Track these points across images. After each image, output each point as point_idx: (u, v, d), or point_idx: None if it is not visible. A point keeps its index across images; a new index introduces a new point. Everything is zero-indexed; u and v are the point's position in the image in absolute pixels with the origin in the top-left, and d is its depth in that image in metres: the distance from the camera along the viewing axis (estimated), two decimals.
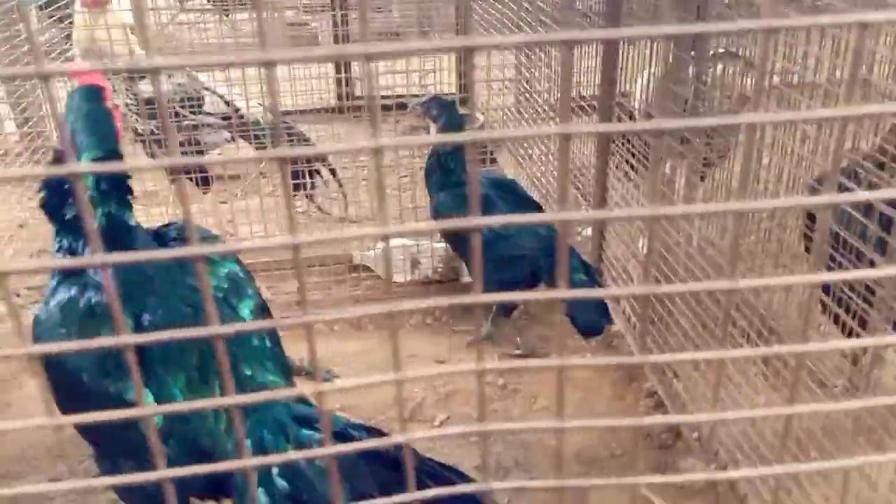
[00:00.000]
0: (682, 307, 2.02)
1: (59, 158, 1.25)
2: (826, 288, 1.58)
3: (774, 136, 1.76)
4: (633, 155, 2.31)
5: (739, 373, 1.84)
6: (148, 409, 0.42)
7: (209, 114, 2.77)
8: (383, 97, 3.77)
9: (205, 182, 2.87)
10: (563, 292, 0.41)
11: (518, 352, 2.41)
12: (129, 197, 1.27)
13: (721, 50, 2.07)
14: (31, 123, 3.03)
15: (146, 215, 2.53)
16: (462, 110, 2.61)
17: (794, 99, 1.66)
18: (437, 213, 2.37)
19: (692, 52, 1.99)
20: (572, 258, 2.21)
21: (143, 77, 2.68)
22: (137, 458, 1.21)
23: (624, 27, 2.20)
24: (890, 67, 1.81)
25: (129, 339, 0.38)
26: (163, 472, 0.41)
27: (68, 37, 3.15)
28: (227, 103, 2.79)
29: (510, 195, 2.30)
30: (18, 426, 0.43)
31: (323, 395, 0.43)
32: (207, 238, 1.39)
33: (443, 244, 2.73)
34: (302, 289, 0.42)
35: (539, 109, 3.16)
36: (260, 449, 1.19)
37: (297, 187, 3.11)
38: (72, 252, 1.25)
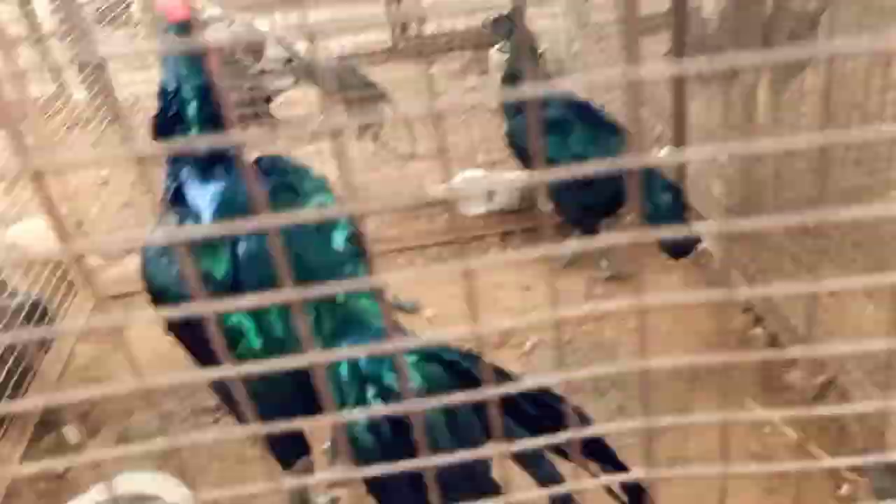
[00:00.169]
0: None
1: (164, 91, 1.26)
2: None
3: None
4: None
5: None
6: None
7: (272, 60, 2.76)
8: (438, 35, 3.70)
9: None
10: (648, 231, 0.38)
11: (605, 273, 2.38)
12: (219, 113, 1.28)
13: None
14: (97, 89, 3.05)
15: None
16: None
17: None
18: (511, 137, 2.31)
19: None
20: (656, 178, 2.15)
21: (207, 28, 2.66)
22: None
23: None
24: None
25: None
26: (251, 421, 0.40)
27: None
28: (288, 48, 2.77)
29: (586, 116, 2.23)
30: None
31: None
32: (298, 171, 1.38)
33: (518, 173, 2.68)
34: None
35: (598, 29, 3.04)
36: (355, 372, 1.19)
37: (363, 126, 3.09)
38: (176, 178, 1.28)
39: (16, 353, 2.10)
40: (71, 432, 2.07)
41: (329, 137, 0.39)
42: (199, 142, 0.38)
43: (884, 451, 1.50)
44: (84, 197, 2.84)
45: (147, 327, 2.37)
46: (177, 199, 1.28)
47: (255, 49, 2.67)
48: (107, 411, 2.12)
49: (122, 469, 1.69)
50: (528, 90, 0.41)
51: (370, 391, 1.17)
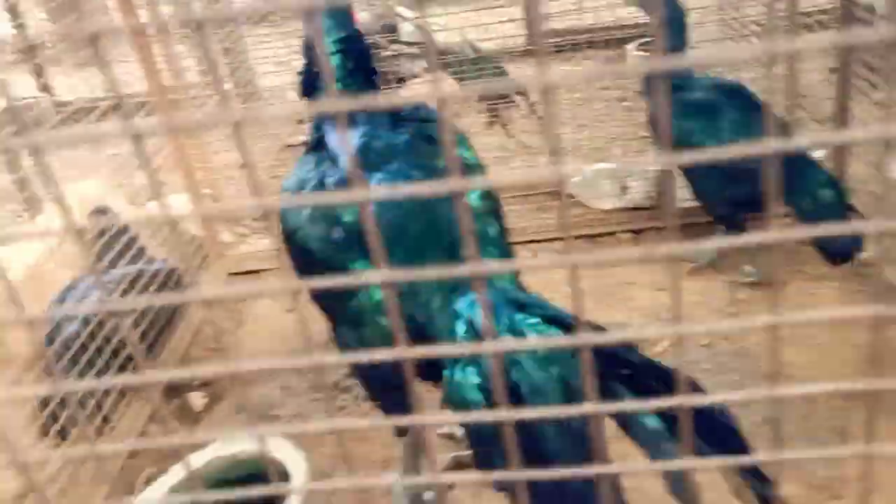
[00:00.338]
0: None
1: (308, 47, 1.26)
2: None
3: None
4: (872, 70, 2.00)
5: None
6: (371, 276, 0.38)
7: (406, 43, 2.74)
8: (574, 32, 3.60)
9: None
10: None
11: (749, 279, 2.19)
12: (374, 77, 1.28)
13: None
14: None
15: None
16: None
17: None
18: (654, 125, 2.17)
19: None
20: (818, 172, 1.95)
21: None
22: (358, 328, 1.24)
23: None
24: None
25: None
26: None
27: None
28: (425, 33, 2.74)
29: (739, 100, 2.05)
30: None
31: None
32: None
33: (654, 167, 2.53)
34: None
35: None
36: (472, 329, 1.13)
37: (493, 118, 3.03)
38: (319, 126, 1.30)
39: (150, 318, 2.17)
40: (196, 399, 2.11)
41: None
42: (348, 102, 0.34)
43: None
44: (223, 180, 2.93)
45: (272, 304, 2.40)
46: (319, 146, 1.30)
47: (391, 31, 2.66)
48: (230, 382, 2.15)
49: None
50: (667, 62, 0.36)
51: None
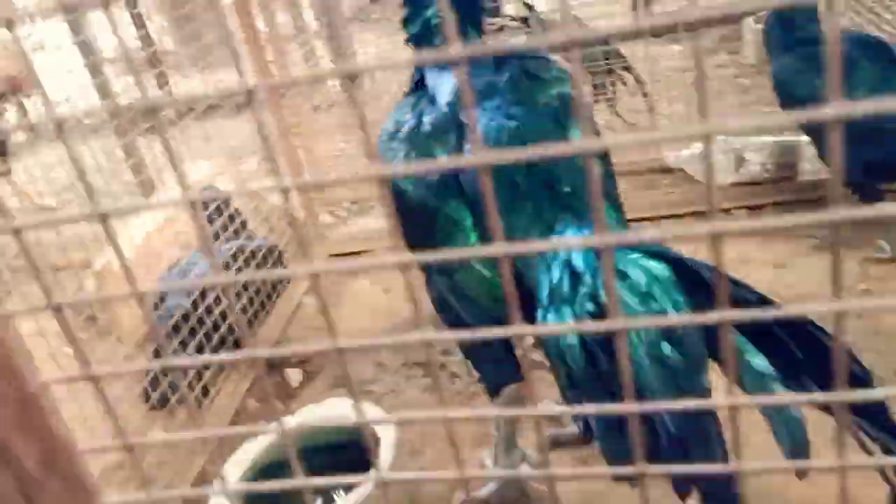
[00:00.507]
0: None
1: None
2: None
3: None
4: None
5: None
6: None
7: (509, 17, 2.67)
8: (683, 12, 3.39)
9: None
10: None
11: (883, 255, 1.98)
12: (480, 17, 1.25)
13: None
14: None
15: None
16: None
17: None
18: (779, 81, 1.97)
19: None
20: None
21: None
22: (452, 275, 1.21)
23: None
24: None
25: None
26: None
27: None
28: (528, 6, 2.66)
29: (878, 54, 1.83)
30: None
31: None
32: (541, 59, 1.28)
33: (773, 137, 2.34)
34: None
35: None
36: (567, 269, 1.06)
37: (598, 95, 2.90)
38: (421, 67, 1.28)
39: (251, 294, 2.20)
40: (293, 375, 2.11)
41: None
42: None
43: None
44: (323, 165, 2.96)
45: (370, 284, 2.39)
46: (418, 87, 1.28)
47: (493, 4, 2.60)
48: (326, 358, 2.14)
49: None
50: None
51: (582, 289, 1.04)
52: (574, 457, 1.60)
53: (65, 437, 0.45)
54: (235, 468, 1.44)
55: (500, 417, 1.48)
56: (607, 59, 2.86)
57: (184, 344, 1.96)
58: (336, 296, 2.43)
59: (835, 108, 0.30)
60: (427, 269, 1.29)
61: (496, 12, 2.68)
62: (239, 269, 2.18)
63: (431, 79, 1.25)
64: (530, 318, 1.09)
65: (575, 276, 1.04)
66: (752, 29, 3.43)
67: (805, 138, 2.30)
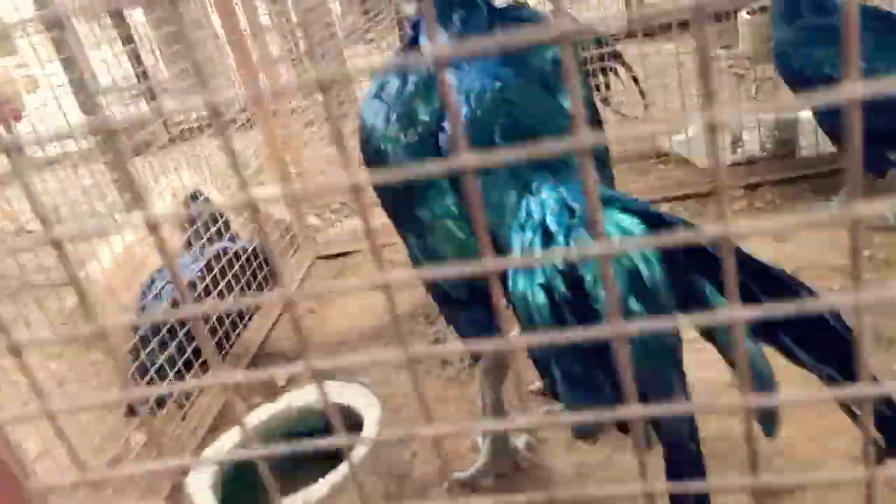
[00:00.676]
0: None
1: None
2: None
3: None
4: None
5: None
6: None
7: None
8: (674, 11, 3.37)
9: None
10: None
11: (889, 223, 1.89)
12: None
13: None
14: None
15: None
16: None
17: None
18: (779, 51, 1.90)
19: None
20: None
21: None
22: (426, 237, 1.19)
23: None
24: None
25: None
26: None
27: None
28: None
29: (883, 25, 1.76)
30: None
31: None
32: (537, 20, 1.25)
33: (771, 115, 2.28)
34: None
35: None
36: (541, 229, 1.02)
37: (594, 89, 2.86)
38: (416, 26, 1.27)
39: (236, 292, 2.13)
40: (279, 374, 2.03)
41: None
42: None
43: None
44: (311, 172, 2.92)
45: (360, 280, 2.33)
46: (410, 47, 1.27)
47: None
48: (316, 355, 2.06)
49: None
50: None
51: (559, 238, 1.00)
52: (568, 437, 1.51)
53: None
54: (212, 456, 1.35)
55: (484, 387, 1.41)
56: (601, 55, 2.82)
57: (164, 345, 1.89)
58: (326, 295, 2.36)
59: (851, 89, 0.28)
60: (403, 231, 1.26)
61: None
62: (223, 271, 2.12)
63: (424, 41, 1.23)
64: (501, 278, 1.03)
65: (548, 236, 1.00)
66: (745, 21, 3.39)
67: (803, 114, 2.23)
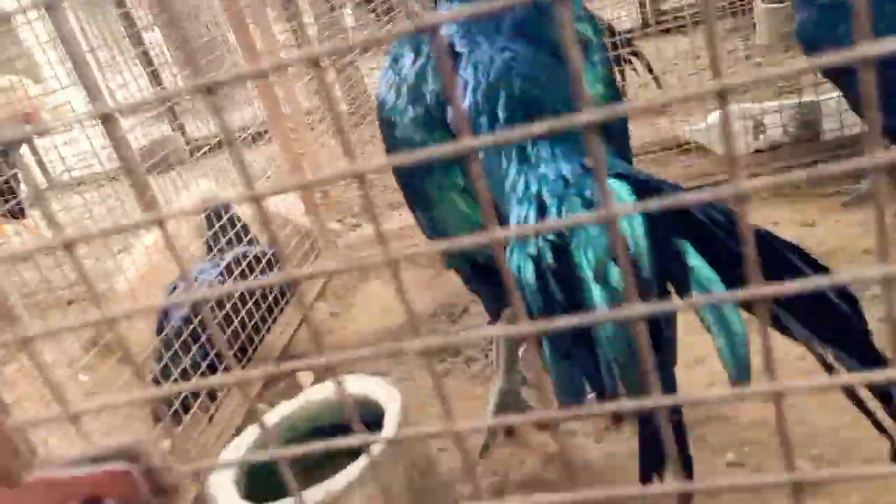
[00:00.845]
0: None
1: None
2: None
3: None
4: None
5: None
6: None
7: None
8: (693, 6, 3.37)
9: None
10: None
11: None
12: None
13: None
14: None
15: None
16: None
17: None
18: (803, 36, 1.86)
19: None
20: None
21: None
22: (432, 209, 1.22)
23: None
24: None
25: None
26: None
27: None
28: None
29: None
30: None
31: None
32: None
33: (793, 100, 2.24)
34: None
35: None
36: (536, 202, 1.03)
37: None
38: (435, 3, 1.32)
39: (258, 297, 2.12)
40: (304, 377, 2.02)
41: None
42: None
43: None
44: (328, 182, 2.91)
45: (382, 284, 2.33)
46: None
47: None
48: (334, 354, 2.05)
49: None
50: None
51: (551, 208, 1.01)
52: (597, 428, 1.47)
53: None
54: (232, 453, 1.34)
55: (500, 339, 1.43)
56: (615, 44, 2.79)
57: (187, 348, 1.88)
58: (349, 296, 2.35)
59: (864, 49, 0.28)
60: (413, 209, 1.29)
61: None
62: (243, 274, 2.11)
63: (442, 9, 1.25)
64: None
65: (542, 210, 1.01)
66: (763, 10, 3.35)
67: (826, 96, 2.19)
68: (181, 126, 4.65)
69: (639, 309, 0.36)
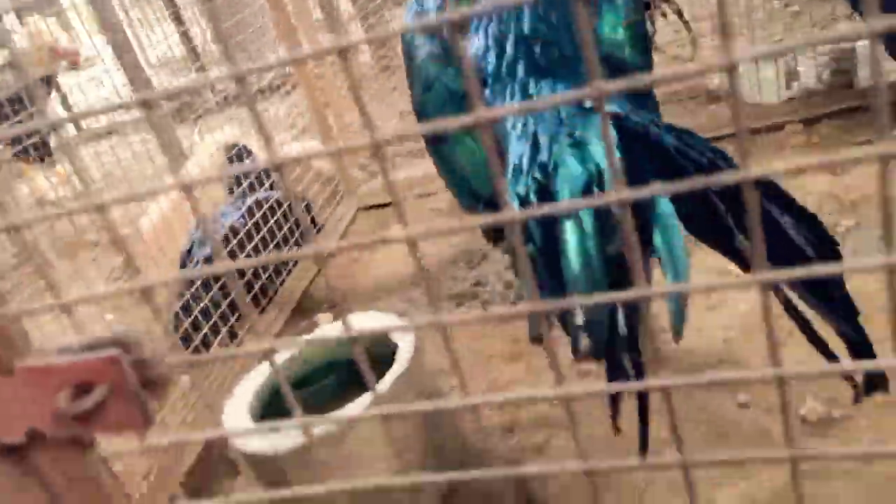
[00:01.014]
0: None
1: None
2: None
3: None
4: None
5: None
6: None
7: None
8: None
9: None
10: None
11: None
12: None
13: None
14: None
15: None
16: None
17: None
18: None
19: None
20: None
21: None
22: (443, 150, 1.25)
23: None
24: None
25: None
26: None
27: None
28: None
29: None
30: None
31: None
32: None
33: (827, 46, 2.16)
34: None
35: None
36: (531, 140, 1.03)
37: None
38: None
39: (279, 240, 2.14)
40: (323, 319, 2.04)
41: None
42: None
43: None
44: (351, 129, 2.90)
45: (402, 230, 2.34)
46: None
47: None
48: (357, 299, 2.06)
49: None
50: None
51: (539, 159, 1.02)
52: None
53: None
54: (249, 384, 1.36)
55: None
56: None
57: (207, 287, 1.91)
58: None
59: None
60: (428, 148, 1.32)
61: None
62: (265, 218, 2.13)
63: None
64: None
65: (535, 148, 1.01)
66: None
67: (860, 44, 2.12)
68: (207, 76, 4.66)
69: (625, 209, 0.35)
